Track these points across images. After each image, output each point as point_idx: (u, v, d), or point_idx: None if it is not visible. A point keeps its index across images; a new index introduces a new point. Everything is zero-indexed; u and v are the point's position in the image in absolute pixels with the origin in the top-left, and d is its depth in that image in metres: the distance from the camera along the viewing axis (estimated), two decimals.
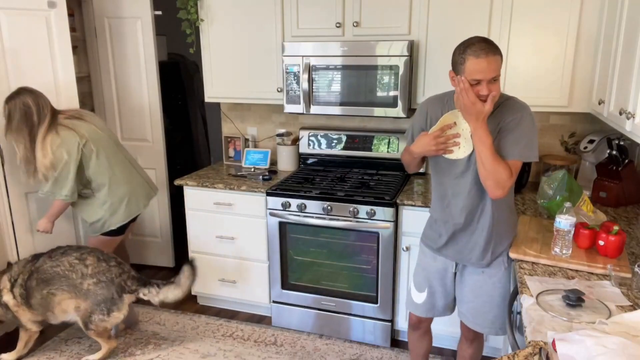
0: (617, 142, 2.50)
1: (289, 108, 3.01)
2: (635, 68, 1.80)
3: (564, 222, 1.80)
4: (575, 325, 1.39)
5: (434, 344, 2.84)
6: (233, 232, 3.08)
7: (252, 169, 3.35)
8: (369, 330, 2.90)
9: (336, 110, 2.93)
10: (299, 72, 2.92)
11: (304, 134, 3.32)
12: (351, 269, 2.87)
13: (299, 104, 2.97)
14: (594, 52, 2.48)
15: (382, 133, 3.19)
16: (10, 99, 2.59)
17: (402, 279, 2.78)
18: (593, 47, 2.49)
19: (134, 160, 3.00)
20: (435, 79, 2.74)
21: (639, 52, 1.78)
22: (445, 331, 2.68)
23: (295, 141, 3.36)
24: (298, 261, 2.98)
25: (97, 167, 2.72)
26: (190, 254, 3.18)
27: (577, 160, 2.84)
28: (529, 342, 1.34)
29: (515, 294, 1.82)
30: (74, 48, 3.33)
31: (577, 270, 1.77)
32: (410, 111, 2.79)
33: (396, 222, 2.70)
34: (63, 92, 3.00)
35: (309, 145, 3.33)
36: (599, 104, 2.26)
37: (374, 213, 2.70)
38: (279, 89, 3.06)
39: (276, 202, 2.88)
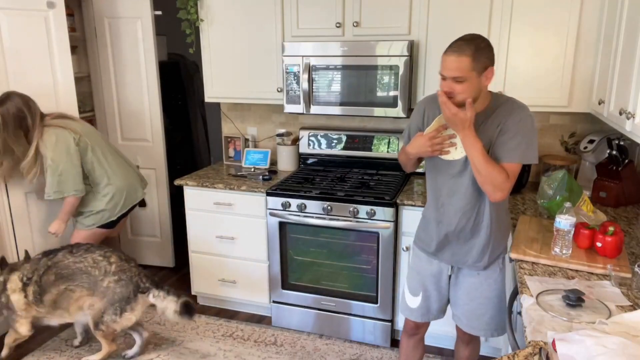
0: (617, 142, 2.49)
1: (289, 108, 3.01)
2: (635, 68, 1.80)
3: (564, 222, 1.80)
4: (575, 325, 1.39)
5: (433, 344, 2.85)
6: (233, 232, 3.08)
7: (252, 169, 3.35)
8: (369, 330, 2.90)
9: (336, 110, 2.93)
10: (299, 72, 2.92)
11: (304, 134, 3.32)
12: (351, 269, 2.87)
13: (299, 104, 2.97)
14: (594, 52, 2.48)
15: (382, 133, 3.19)
16: (0, 104, 2.59)
17: (402, 279, 2.77)
18: (593, 47, 2.49)
19: (122, 153, 3.08)
20: (435, 79, 2.68)
21: (639, 52, 1.78)
22: (445, 331, 2.67)
23: (295, 141, 3.36)
24: (298, 261, 2.98)
25: (93, 160, 2.78)
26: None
27: (577, 160, 2.84)
28: (529, 342, 1.33)
29: (515, 294, 1.82)
30: (74, 48, 3.34)
31: (577, 270, 1.76)
32: (410, 111, 2.79)
33: (396, 222, 2.70)
34: (61, 92, 3.01)
35: (309, 145, 3.33)
36: (599, 104, 2.26)
37: (374, 213, 2.70)
38: (279, 89, 3.06)
39: (276, 202, 2.88)
